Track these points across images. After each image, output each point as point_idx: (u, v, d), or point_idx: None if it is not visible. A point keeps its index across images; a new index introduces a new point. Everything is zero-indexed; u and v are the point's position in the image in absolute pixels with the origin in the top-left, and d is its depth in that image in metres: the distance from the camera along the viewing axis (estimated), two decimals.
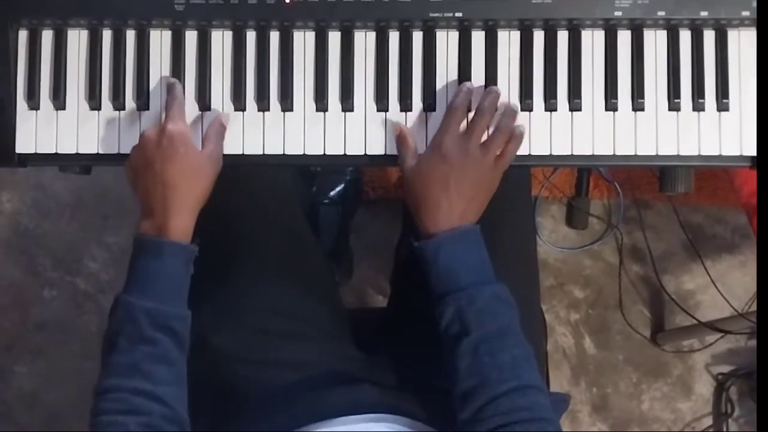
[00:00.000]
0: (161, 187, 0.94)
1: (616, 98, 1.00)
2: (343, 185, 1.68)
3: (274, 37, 1.02)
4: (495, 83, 1.01)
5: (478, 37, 1.02)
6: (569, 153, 1.01)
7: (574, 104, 1.01)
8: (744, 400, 1.84)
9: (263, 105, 1.02)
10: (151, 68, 1.02)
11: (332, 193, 1.67)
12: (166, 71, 1.02)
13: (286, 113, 1.02)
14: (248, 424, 1.03)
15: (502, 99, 0.99)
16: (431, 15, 1.00)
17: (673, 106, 1.01)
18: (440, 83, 1.01)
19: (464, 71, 1.01)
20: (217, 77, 1.02)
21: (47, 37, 1.03)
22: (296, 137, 1.02)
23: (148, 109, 1.02)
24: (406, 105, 1.01)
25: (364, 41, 1.02)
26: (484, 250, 0.96)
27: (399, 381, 1.09)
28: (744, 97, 1.01)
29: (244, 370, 1.06)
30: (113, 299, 0.94)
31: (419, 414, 1.02)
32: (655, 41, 1.01)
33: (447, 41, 1.02)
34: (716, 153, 1.01)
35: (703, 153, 1.01)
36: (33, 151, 1.03)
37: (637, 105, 1.00)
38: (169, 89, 1.00)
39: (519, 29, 1.01)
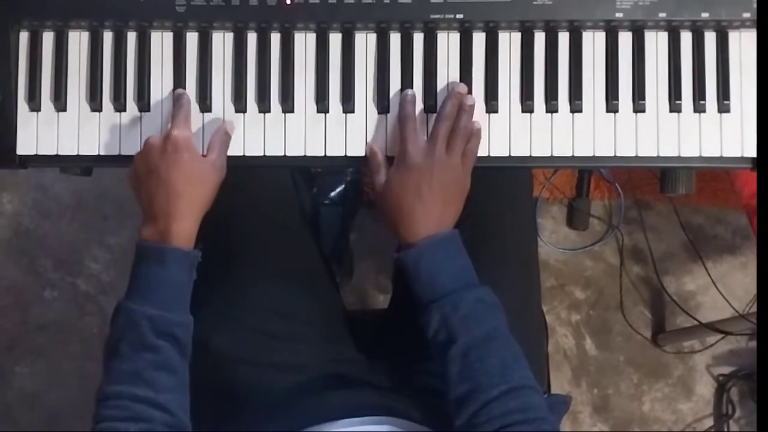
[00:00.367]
0: (164, 193, 0.94)
1: (617, 99, 1.00)
2: (343, 186, 1.68)
3: (275, 38, 1.02)
4: (496, 85, 1.01)
5: (478, 39, 1.01)
6: (570, 154, 1.01)
7: (575, 106, 1.01)
8: (745, 401, 1.84)
9: (264, 106, 1.02)
10: (152, 70, 1.02)
11: (333, 194, 1.67)
12: (167, 73, 1.02)
13: (287, 114, 1.02)
14: (249, 426, 1.03)
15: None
16: (432, 16, 1.00)
17: (674, 107, 1.00)
18: (441, 85, 1.01)
19: (465, 73, 1.01)
20: (217, 79, 1.02)
21: (48, 38, 1.03)
22: (297, 138, 1.02)
23: (149, 110, 1.02)
24: None
25: (365, 43, 1.02)
26: (464, 254, 0.96)
27: (399, 383, 1.09)
28: (745, 98, 1.00)
29: (244, 372, 1.07)
30: (115, 305, 0.94)
31: (419, 416, 1.02)
32: (656, 43, 1.01)
33: (448, 43, 1.02)
34: (717, 154, 1.01)
35: (704, 154, 1.01)
36: (34, 153, 1.03)
37: (638, 106, 1.00)
38: (177, 98, 1.00)
39: (520, 31, 1.01)
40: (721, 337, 1.78)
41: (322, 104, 1.01)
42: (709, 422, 1.85)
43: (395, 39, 1.02)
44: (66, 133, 1.02)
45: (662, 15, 0.99)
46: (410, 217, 0.95)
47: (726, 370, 1.85)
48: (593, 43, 1.01)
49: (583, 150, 1.01)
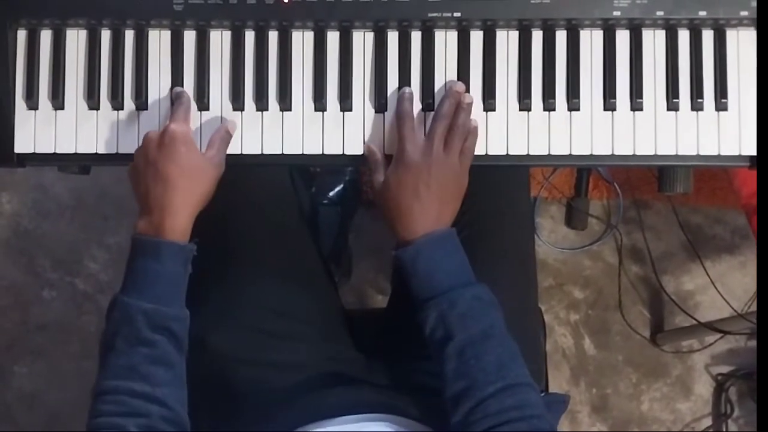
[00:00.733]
0: (161, 186, 0.94)
1: (615, 98, 1.00)
2: (342, 186, 1.68)
3: (273, 37, 1.02)
4: (493, 83, 1.01)
5: (476, 37, 1.02)
6: (568, 153, 1.01)
7: (573, 104, 1.01)
8: (743, 400, 1.84)
9: (262, 105, 1.02)
10: (150, 68, 1.02)
11: (331, 194, 1.67)
12: (165, 71, 1.02)
13: (285, 113, 1.02)
14: (247, 425, 1.03)
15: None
16: (430, 15, 1.00)
17: (672, 105, 1.01)
18: (439, 83, 1.01)
19: (463, 71, 1.01)
20: (215, 77, 1.02)
21: (46, 37, 1.03)
22: (295, 137, 1.02)
23: (146, 108, 1.02)
24: None
25: (363, 41, 1.02)
26: (462, 252, 0.96)
27: (397, 381, 1.09)
28: (743, 96, 1.01)
29: (242, 371, 1.07)
30: (111, 299, 0.94)
31: (417, 414, 1.02)
32: (654, 41, 1.01)
33: (446, 41, 1.02)
34: (715, 153, 1.01)
35: (702, 153, 1.01)
36: (32, 151, 1.03)
37: (636, 105, 1.00)
38: (178, 95, 1.00)
39: (518, 29, 1.01)
40: (720, 336, 1.78)
41: (319, 103, 1.01)
42: (708, 422, 1.85)
43: (393, 37, 1.02)
44: (64, 131, 1.02)
45: (660, 13, 0.99)
46: (408, 215, 0.95)
47: (725, 369, 1.85)
48: (591, 41, 1.01)
49: (581, 148, 1.01)
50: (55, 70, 1.02)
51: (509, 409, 0.88)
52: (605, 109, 1.01)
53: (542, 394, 1.10)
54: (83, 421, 0.90)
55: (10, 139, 1.02)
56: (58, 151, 1.03)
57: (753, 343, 1.84)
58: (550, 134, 1.01)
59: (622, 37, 1.01)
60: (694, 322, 1.77)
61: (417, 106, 1.00)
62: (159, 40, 1.02)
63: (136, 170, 0.97)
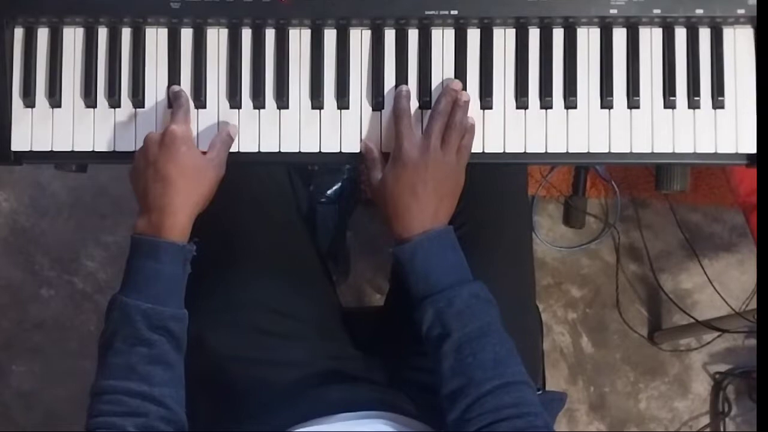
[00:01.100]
0: (161, 185, 0.94)
1: (612, 96, 1.01)
2: (340, 184, 1.68)
3: (270, 34, 1.02)
4: (491, 81, 1.01)
5: (473, 35, 1.02)
6: (565, 150, 1.01)
7: (570, 102, 1.01)
8: (741, 398, 1.84)
9: (259, 103, 1.02)
10: (147, 66, 1.02)
11: (329, 192, 1.67)
12: (162, 69, 1.02)
13: (282, 111, 1.02)
14: (245, 423, 1.03)
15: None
16: (427, 13, 1.00)
17: (669, 103, 1.01)
18: (436, 81, 1.01)
19: (460, 69, 1.01)
20: (212, 75, 1.02)
21: (43, 34, 1.03)
22: (292, 135, 1.02)
23: (143, 106, 1.02)
24: None
25: (360, 39, 1.02)
26: (459, 250, 0.96)
27: (396, 379, 1.09)
28: (740, 94, 1.01)
29: (240, 369, 1.07)
30: (110, 298, 0.94)
31: (415, 411, 1.02)
32: (651, 39, 1.01)
33: (443, 39, 1.02)
34: (712, 150, 1.01)
35: (699, 150, 1.01)
36: (29, 149, 1.03)
37: (633, 103, 1.01)
38: (175, 96, 1.00)
39: (514, 27, 1.01)
40: (718, 335, 1.78)
41: (316, 100, 1.01)
42: (706, 420, 1.86)
43: (390, 35, 1.02)
44: (61, 129, 1.02)
45: (657, 11, 0.99)
46: (405, 212, 0.95)
47: (722, 367, 1.85)
48: (588, 39, 1.02)
49: (578, 146, 1.01)
50: (52, 68, 1.02)
51: (506, 407, 0.88)
52: (602, 107, 1.01)
53: (540, 393, 1.10)
54: (81, 420, 0.91)
55: (7, 137, 1.02)
56: (55, 149, 1.03)
57: (751, 341, 1.84)
58: (547, 132, 1.01)
59: (619, 35, 1.01)
60: (692, 320, 1.78)
61: (414, 104, 1.01)
62: (156, 38, 1.02)
63: (136, 171, 0.97)
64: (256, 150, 1.02)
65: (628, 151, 1.01)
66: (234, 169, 1.01)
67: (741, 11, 0.99)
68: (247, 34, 1.02)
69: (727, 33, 1.01)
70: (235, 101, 1.02)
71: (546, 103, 1.01)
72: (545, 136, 1.01)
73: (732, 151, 1.01)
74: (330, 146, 1.02)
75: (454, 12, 1.00)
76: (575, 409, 1.85)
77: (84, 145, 1.02)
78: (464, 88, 1.00)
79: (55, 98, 1.02)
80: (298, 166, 1.28)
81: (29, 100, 1.02)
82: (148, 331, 0.91)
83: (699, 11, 0.99)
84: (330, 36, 1.02)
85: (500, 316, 0.94)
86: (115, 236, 1.88)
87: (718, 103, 1.00)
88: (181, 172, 0.95)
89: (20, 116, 1.02)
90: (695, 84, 1.00)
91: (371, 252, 1.83)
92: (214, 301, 1.09)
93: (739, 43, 1.01)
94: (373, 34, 1.02)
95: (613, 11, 1.00)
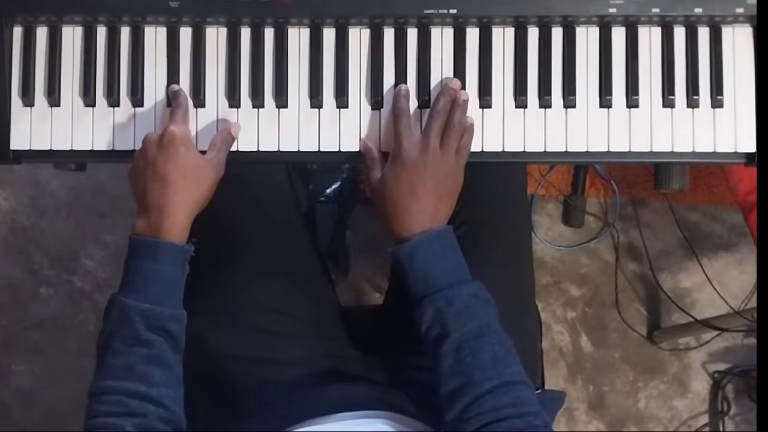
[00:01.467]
0: (160, 186, 0.94)
1: (611, 95, 1.01)
2: (339, 183, 1.68)
3: (269, 33, 1.02)
4: (489, 80, 1.01)
5: (472, 34, 1.02)
6: (564, 150, 1.01)
7: (569, 101, 1.01)
8: (740, 398, 1.84)
9: (258, 102, 1.02)
10: (146, 65, 1.02)
11: (329, 191, 1.67)
12: (161, 68, 1.02)
13: (281, 110, 1.02)
14: (244, 423, 1.03)
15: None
16: (426, 12, 1.00)
17: (668, 102, 1.01)
18: (435, 80, 1.01)
19: (459, 68, 1.01)
20: (211, 74, 1.02)
21: (42, 33, 1.03)
22: (291, 134, 1.02)
23: (142, 105, 1.02)
24: None
25: (359, 38, 1.02)
26: (458, 250, 0.96)
27: (395, 378, 1.09)
28: (738, 93, 1.01)
29: (239, 369, 1.07)
30: (108, 299, 0.94)
31: (414, 411, 1.02)
32: (650, 38, 1.01)
33: (441, 38, 1.02)
34: (710, 149, 1.01)
35: (698, 150, 1.01)
36: (27, 148, 1.03)
37: (632, 102, 1.01)
38: (174, 95, 1.00)
39: (513, 26, 1.01)
40: (717, 334, 1.78)
41: (315, 99, 1.01)
42: (705, 419, 1.85)
43: (389, 34, 1.02)
44: (59, 128, 1.02)
45: (656, 10, 0.99)
46: (405, 212, 0.95)
47: (721, 367, 1.85)
48: (587, 38, 1.02)
49: (577, 145, 1.01)
50: (51, 66, 1.02)
51: (505, 407, 0.88)
52: (601, 106, 1.01)
53: (539, 392, 1.11)
54: (80, 419, 0.91)
55: (5, 135, 1.02)
56: (54, 148, 1.03)
57: (750, 340, 1.84)
58: (545, 131, 1.01)
59: (618, 34, 1.01)
60: (691, 319, 1.78)
61: (413, 103, 1.01)
62: (155, 37, 1.02)
63: (135, 171, 0.97)
64: (255, 149, 1.02)
65: (627, 150, 1.01)
66: (233, 168, 1.01)
67: (740, 10, 0.99)
68: (246, 33, 1.02)
69: (726, 32, 1.01)
70: (234, 100, 1.02)
71: (545, 102, 1.01)
72: (544, 135, 1.01)
73: (731, 150, 1.01)
74: (329, 145, 1.02)
75: (453, 11, 1.00)
76: (574, 408, 1.85)
77: (83, 144, 1.02)
78: (463, 87, 1.00)
79: (54, 97, 1.02)
80: (297, 165, 1.28)
81: (28, 99, 1.02)
82: (146, 331, 0.91)
83: (698, 10, 0.99)
84: (329, 35, 1.02)
85: (499, 316, 0.94)
86: (114, 235, 1.88)
87: (717, 102, 1.00)
88: (180, 172, 0.95)
89: (19, 115, 1.02)
90: (694, 83, 1.00)
91: (370, 251, 1.83)
92: (214, 301, 1.09)
93: (738, 42, 1.01)
94: (372, 33, 1.02)
95: (612, 10, 1.00)
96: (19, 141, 1.02)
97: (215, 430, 1.05)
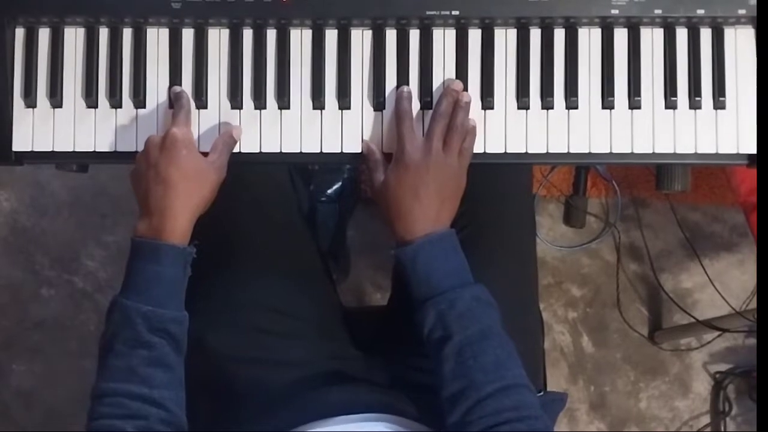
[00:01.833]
0: (162, 188, 0.94)
1: (613, 96, 1.01)
2: (340, 183, 1.68)
3: (271, 35, 1.02)
4: (492, 81, 1.01)
5: (474, 36, 1.02)
6: (566, 151, 1.01)
7: (571, 102, 1.01)
8: (742, 398, 1.84)
9: (260, 103, 1.02)
10: (148, 66, 1.02)
11: (330, 191, 1.67)
12: (163, 69, 1.02)
13: (283, 111, 1.02)
14: (246, 424, 1.03)
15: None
16: (428, 13, 1.00)
17: (670, 104, 1.01)
18: (437, 81, 1.01)
19: (461, 69, 1.01)
20: (213, 75, 1.02)
21: (44, 35, 1.02)
22: (293, 135, 1.02)
23: (144, 107, 1.02)
24: None
25: (361, 39, 1.02)
26: (460, 252, 0.96)
27: (396, 380, 1.09)
28: (741, 95, 1.01)
29: (240, 370, 1.07)
30: (110, 300, 0.94)
31: (416, 413, 1.02)
32: (652, 39, 1.01)
33: (444, 39, 1.02)
34: (713, 151, 1.01)
35: (700, 151, 1.01)
36: (30, 149, 1.02)
37: (634, 103, 1.01)
38: (177, 97, 1.00)
39: (516, 27, 1.01)
40: (718, 334, 1.78)
41: (318, 101, 1.01)
42: (706, 420, 1.86)
43: (391, 36, 1.02)
44: (62, 129, 1.02)
45: (658, 11, 0.99)
46: (408, 215, 0.95)
47: (723, 367, 1.85)
48: (589, 39, 1.01)
49: (579, 146, 1.01)
50: (53, 68, 1.02)
51: (507, 410, 0.88)
52: (603, 108, 1.01)
53: (540, 393, 1.11)
54: (81, 420, 0.91)
55: (8, 137, 1.02)
56: (56, 149, 1.03)
57: (751, 340, 1.84)
58: (548, 132, 1.01)
59: (621, 36, 1.01)
60: (693, 320, 1.78)
61: (415, 104, 1.00)
62: (157, 39, 1.02)
63: (137, 173, 0.97)
64: (257, 150, 1.02)
65: (629, 151, 1.01)
66: (235, 169, 1.01)
67: (742, 11, 0.99)
68: (248, 35, 1.02)
69: (728, 33, 1.01)
70: (236, 102, 1.02)
71: (547, 104, 1.01)
72: (546, 137, 1.01)
73: (733, 151, 1.01)
74: (331, 146, 1.02)
75: (455, 12, 1.00)
76: (575, 408, 1.85)
77: (85, 146, 1.02)
78: (465, 88, 1.00)
79: (56, 98, 1.02)
80: (299, 166, 1.28)
81: (30, 101, 1.02)
82: (148, 333, 0.91)
83: (700, 11, 0.99)
84: (331, 36, 1.02)
85: (501, 319, 0.94)
86: (115, 236, 1.88)
87: (719, 104, 1.00)
88: (182, 175, 0.95)
89: (21, 116, 1.02)
90: (696, 84, 1.00)
91: (372, 251, 1.83)
92: (215, 302, 1.09)
93: (740, 43, 1.01)
94: (374, 34, 1.02)
95: (615, 11, 1.00)
96: (21, 142, 1.02)
97: (216, 431, 1.05)
